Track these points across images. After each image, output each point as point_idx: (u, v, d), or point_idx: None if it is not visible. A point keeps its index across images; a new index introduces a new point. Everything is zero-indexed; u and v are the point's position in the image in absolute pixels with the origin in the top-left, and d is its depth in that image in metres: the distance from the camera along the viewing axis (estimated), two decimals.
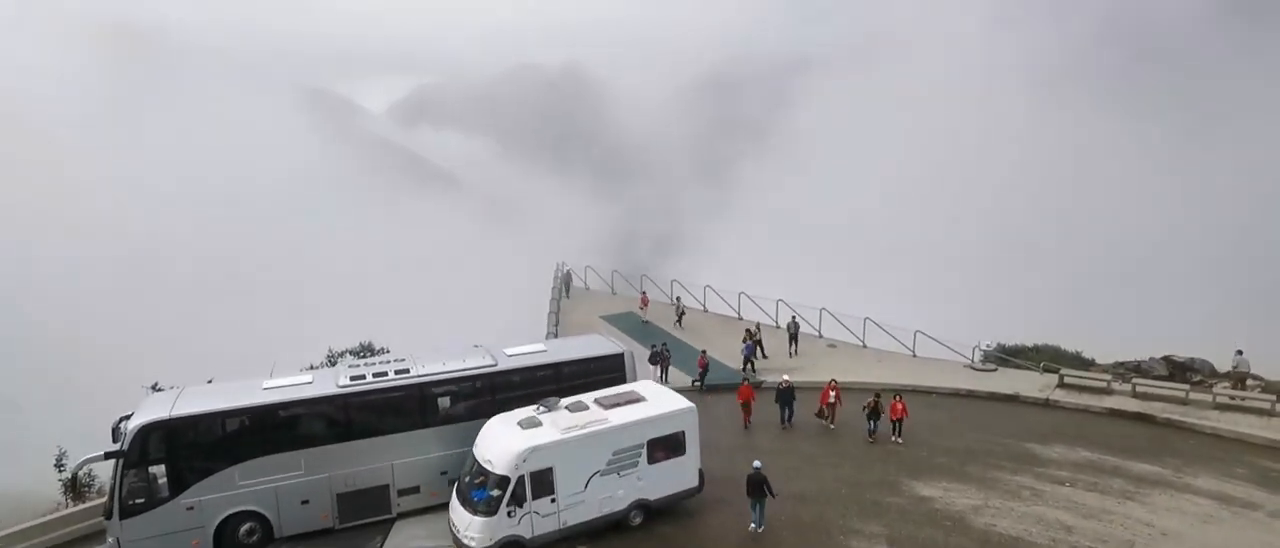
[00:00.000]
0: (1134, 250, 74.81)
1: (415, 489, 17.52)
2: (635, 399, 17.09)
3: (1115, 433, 21.80)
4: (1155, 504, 17.52)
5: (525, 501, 15.10)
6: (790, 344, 29.54)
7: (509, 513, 14.98)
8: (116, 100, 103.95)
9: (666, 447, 16.65)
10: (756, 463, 16.38)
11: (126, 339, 65.81)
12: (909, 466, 19.74)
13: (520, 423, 15.94)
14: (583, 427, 15.80)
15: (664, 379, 26.01)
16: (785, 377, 22.94)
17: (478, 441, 16.15)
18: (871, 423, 21.11)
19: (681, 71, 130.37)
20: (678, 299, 35.74)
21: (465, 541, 15.16)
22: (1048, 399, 24.39)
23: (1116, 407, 23.44)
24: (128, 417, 15.76)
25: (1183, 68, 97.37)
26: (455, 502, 15.93)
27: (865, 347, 30.22)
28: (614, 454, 16.00)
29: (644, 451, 16.33)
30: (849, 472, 19.56)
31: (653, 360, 26.58)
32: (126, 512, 15.28)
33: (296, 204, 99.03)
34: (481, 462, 15.57)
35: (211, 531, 15.91)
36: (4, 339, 65.55)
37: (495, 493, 14.97)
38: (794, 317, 30.44)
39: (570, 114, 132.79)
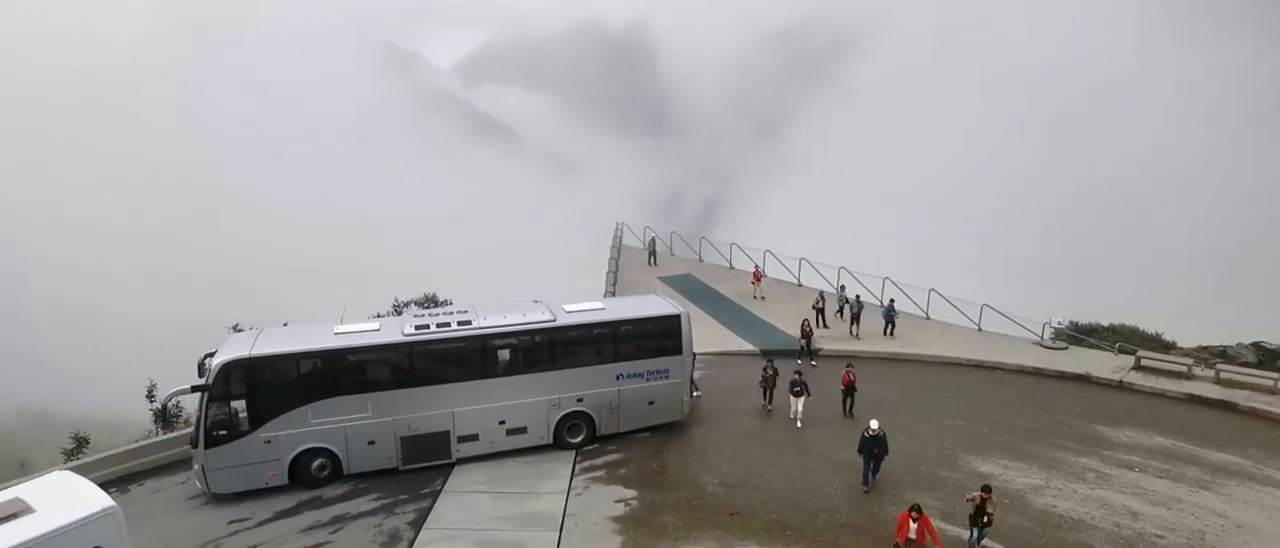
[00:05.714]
0: (1236, 226, 67.78)
1: (474, 437, 18.13)
2: (14, 514, 10.84)
3: (1193, 420, 20.77)
4: (1232, 495, 16.71)
5: None
6: (852, 325, 27.43)
7: None
8: (188, 57, 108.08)
9: None
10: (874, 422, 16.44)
11: (206, 279, 69.82)
12: (968, 441, 19.30)
13: None
14: None
15: (796, 413, 19.57)
16: (874, 423, 16.59)
17: None
18: (973, 532, 14.06)
19: (749, 28, 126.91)
20: (842, 288, 28.74)
21: None
22: (1121, 381, 23.36)
23: (1196, 392, 22.29)
24: (212, 354, 16.79)
25: None
26: None
27: (928, 318, 29.45)
28: None
29: None
30: (904, 443, 19.27)
31: (795, 390, 19.75)
32: (211, 442, 16.38)
33: (361, 155, 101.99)
34: None
35: (287, 464, 16.87)
36: (93, 293, 70.35)
37: None
38: (856, 296, 28.15)
39: (631, 71, 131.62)
